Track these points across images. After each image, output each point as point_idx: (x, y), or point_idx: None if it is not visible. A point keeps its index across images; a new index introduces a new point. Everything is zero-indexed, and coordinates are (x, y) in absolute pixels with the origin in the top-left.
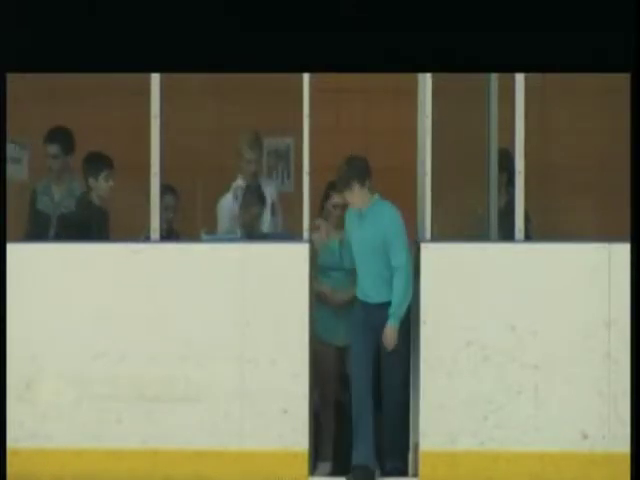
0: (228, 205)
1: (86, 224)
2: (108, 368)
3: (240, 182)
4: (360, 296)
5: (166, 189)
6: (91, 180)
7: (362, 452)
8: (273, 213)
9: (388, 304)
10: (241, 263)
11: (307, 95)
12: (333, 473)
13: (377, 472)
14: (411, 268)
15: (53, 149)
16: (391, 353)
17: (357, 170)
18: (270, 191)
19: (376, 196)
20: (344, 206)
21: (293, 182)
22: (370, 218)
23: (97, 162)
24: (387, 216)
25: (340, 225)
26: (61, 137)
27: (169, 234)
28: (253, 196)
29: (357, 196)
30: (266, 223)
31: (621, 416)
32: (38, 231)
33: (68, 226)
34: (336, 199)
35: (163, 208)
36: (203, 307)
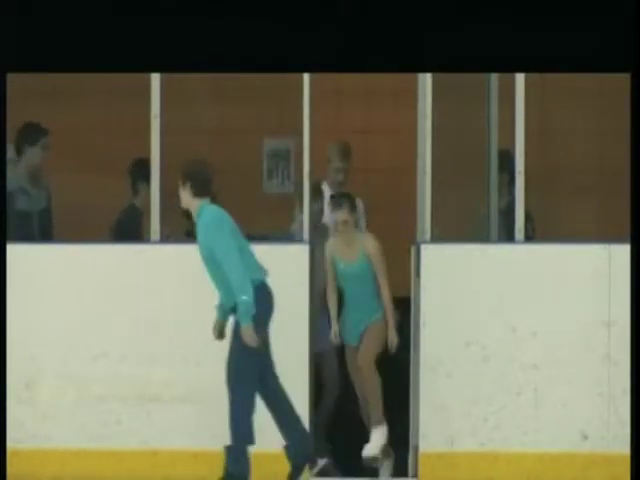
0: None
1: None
2: (108, 369)
3: (326, 188)
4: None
5: None
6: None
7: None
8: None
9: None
10: None
11: (307, 96)
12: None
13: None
14: (240, 266)
15: (38, 149)
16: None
17: (183, 170)
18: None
19: (205, 201)
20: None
21: (293, 183)
22: (198, 224)
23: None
24: (202, 222)
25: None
26: (43, 136)
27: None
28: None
29: (182, 197)
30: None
31: (621, 417)
32: (23, 231)
33: (120, 230)
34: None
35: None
36: (203, 308)
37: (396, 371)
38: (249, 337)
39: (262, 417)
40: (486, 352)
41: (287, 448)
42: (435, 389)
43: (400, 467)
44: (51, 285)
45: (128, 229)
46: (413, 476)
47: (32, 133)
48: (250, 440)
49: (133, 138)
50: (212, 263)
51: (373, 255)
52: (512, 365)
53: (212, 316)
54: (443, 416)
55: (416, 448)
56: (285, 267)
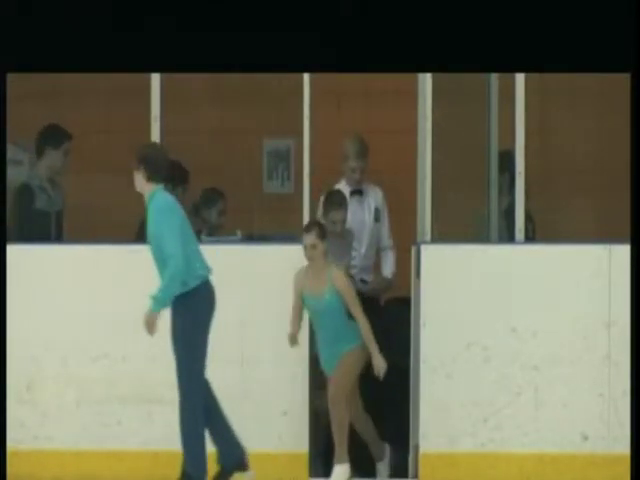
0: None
1: None
2: (108, 369)
3: (343, 186)
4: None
5: (218, 194)
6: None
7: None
8: (377, 219)
9: (178, 298)
10: (241, 264)
11: (307, 96)
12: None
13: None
14: (181, 260)
15: (60, 153)
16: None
17: (138, 154)
18: (375, 197)
19: (158, 187)
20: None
21: (293, 183)
22: (149, 209)
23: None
24: (153, 207)
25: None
26: (66, 140)
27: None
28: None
29: (136, 180)
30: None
31: (621, 417)
32: (40, 230)
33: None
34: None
35: (216, 213)
36: None
37: (396, 371)
38: (148, 323)
39: (248, 419)
40: (486, 352)
41: (220, 453)
42: (435, 389)
43: (400, 467)
44: (51, 286)
45: None
46: (413, 476)
47: (56, 136)
48: (203, 440)
49: (133, 138)
50: (158, 249)
51: (341, 289)
52: (512, 365)
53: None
54: (443, 416)
55: (416, 448)
56: (285, 267)
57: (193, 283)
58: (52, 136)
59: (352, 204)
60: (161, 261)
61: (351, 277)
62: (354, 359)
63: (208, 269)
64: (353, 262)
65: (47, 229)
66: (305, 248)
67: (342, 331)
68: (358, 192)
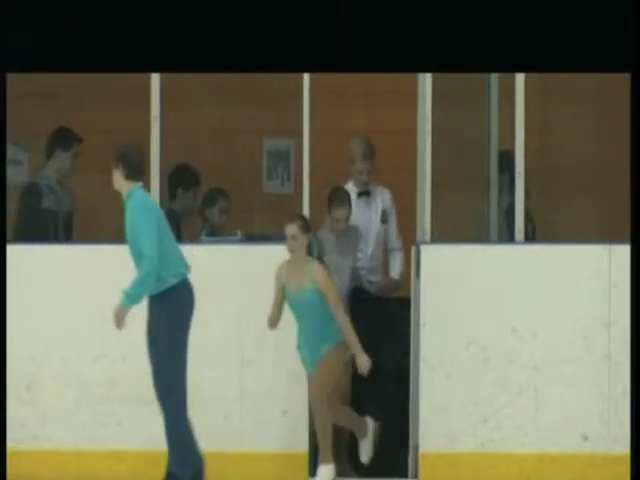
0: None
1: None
2: (108, 369)
3: (351, 187)
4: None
5: (220, 193)
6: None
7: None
8: (383, 220)
9: (157, 296)
10: (241, 264)
11: (307, 96)
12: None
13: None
14: (155, 260)
15: (69, 156)
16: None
17: (117, 153)
18: (383, 199)
19: (136, 185)
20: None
21: (293, 183)
22: (127, 206)
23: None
24: (131, 204)
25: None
26: (76, 144)
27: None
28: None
29: (114, 179)
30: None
31: (621, 417)
32: (45, 229)
33: None
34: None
35: (218, 212)
36: (203, 308)
37: (396, 371)
38: (117, 318)
39: (248, 419)
40: (486, 352)
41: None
42: (435, 389)
43: (400, 467)
44: (51, 286)
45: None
46: (413, 476)
47: (66, 139)
48: (192, 439)
49: (133, 138)
50: (134, 248)
51: (321, 286)
52: (512, 366)
53: (212, 317)
54: (443, 416)
55: (416, 448)
56: None
57: (172, 281)
58: (62, 138)
59: (359, 205)
60: (139, 259)
61: (358, 277)
62: (335, 359)
63: (187, 267)
64: (360, 263)
65: (53, 228)
66: (286, 239)
67: (323, 328)
68: (365, 193)
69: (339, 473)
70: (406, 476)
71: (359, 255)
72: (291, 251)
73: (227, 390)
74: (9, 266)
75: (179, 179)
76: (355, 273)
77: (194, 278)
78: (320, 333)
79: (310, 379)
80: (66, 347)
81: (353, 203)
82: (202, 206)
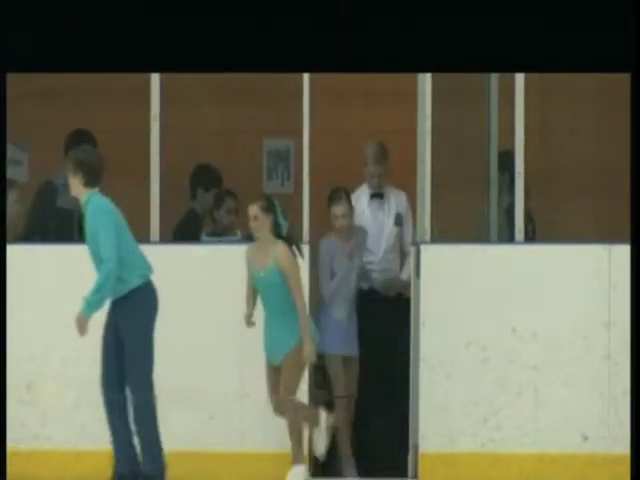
0: (329, 246)
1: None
2: None
3: (364, 190)
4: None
5: (227, 193)
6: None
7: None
8: (397, 223)
9: (121, 299)
10: (241, 264)
11: (307, 96)
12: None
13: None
14: (114, 264)
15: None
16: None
17: (74, 159)
18: (398, 201)
19: (93, 191)
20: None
21: (293, 183)
22: (86, 212)
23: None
24: (90, 210)
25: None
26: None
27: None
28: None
29: (72, 185)
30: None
31: (621, 417)
32: (61, 228)
33: (180, 233)
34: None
35: (225, 212)
36: (203, 309)
37: (396, 371)
38: (79, 325)
39: (248, 419)
40: (486, 352)
41: (117, 460)
42: (435, 389)
43: (400, 467)
44: (51, 286)
45: (188, 232)
46: (413, 476)
47: (82, 140)
48: (159, 437)
49: (133, 138)
50: (94, 252)
51: (283, 265)
52: (512, 366)
53: (212, 317)
54: (443, 416)
55: (416, 448)
56: None
57: (135, 282)
58: (79, 139)
59: (372, 207)
60: (99, 263)
61: (368, 278)
62: (299, 357)
63: (150, 269)
64: (372, 266)
65: (68, 227)
66: (249, 219)
67: (286, 314)
68: (379, 195)
69: (339, 473)
70: (406, 476)
71: (370, 257)
72: (254, 230)
73: (227, 390)
74: (9, 266)
75: (200, 179)
76: (363, 273)
77: (194, 278)
78: (285, 321)
79: (269, 370)
80: (66, 347)
81: (365, 204)
82: (211, 207)
